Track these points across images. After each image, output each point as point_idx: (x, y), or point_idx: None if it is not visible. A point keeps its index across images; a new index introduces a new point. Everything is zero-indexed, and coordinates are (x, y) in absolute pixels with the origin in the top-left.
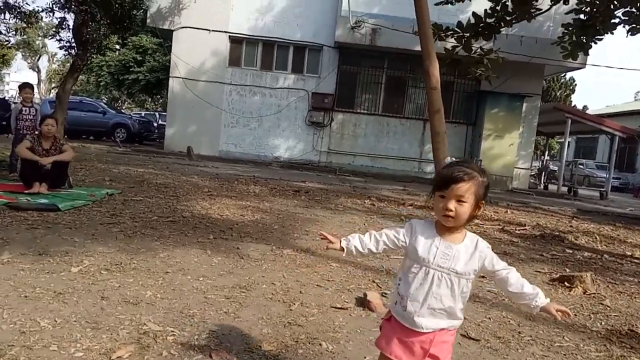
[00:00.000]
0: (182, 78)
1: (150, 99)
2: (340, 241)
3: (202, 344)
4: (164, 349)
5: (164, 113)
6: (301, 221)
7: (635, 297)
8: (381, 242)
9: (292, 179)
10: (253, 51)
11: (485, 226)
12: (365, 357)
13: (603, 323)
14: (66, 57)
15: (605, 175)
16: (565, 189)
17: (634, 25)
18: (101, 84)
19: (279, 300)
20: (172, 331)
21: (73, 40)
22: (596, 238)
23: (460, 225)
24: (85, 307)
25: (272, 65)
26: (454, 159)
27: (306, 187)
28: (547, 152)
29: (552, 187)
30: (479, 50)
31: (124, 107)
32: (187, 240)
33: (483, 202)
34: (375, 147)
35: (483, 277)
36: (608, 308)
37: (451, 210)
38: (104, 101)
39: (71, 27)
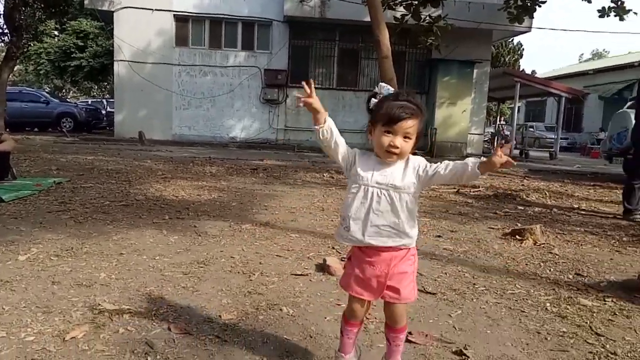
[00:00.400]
0: (128, 61)
1: (96, 86)
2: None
3: (160, 318)
4: (120, 326)
5: (111, 100)
6: (259, 197)
7: (581, 245)
8: (341, 142)
9: (250, 158)
10: (200, 29)
11: (441, 190)
12: (326, 318)
13: (552, 270)
14: None
15: (553, 136)
16: (517, 151)
17: None
18: (41, 72)
19: (238, 272)
20: (129, 309)
21: (5, 27)
22: (546, 194)
23: (402, 160)
24: (35, 292)
25: (220, 43)
26: (388, 88)
27: (264, 164)
28: (499, 117)
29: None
30: (428, 18)
31: (69, 96)
32: (141, 222)
33: (420, 137)
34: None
35: (439, 236)
36: (556, 256)
37: (397, 147)
38: (47, 90)
39: (1, 12)
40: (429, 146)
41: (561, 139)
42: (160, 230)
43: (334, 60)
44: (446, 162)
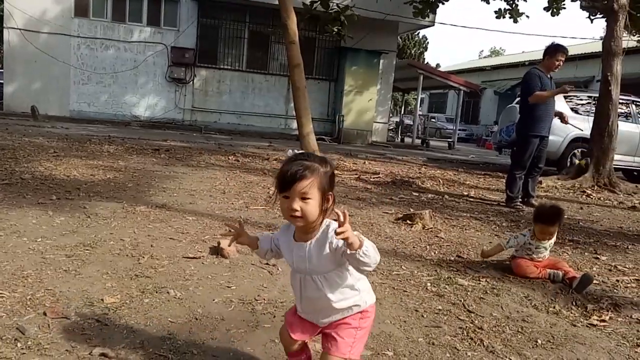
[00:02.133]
0: (20, 29)
1: None
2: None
3: (36, 302)
4: None
5: (1, 70)
6: (158, 178)
7: (465, 229)
8: (267, 246)
9: (153, 138)
10: (102, 1)
11: (343, 176)
12: (214, 300)
13: (436, 252)
14: None
15: (452, 128)
16: (419, 141)
17: None
18: None
19: (127, 255)
20: (1, 293)
21: None
22: (440, 182)
23: (313, 223)
24: None
25: (125, 16)
26: (296, 151)
27: (167, 145)
28: (403, 107)
29: (408, 140)
30: (336, 7)
31: None
32: (25, 202)
33: (331, 193)
34: (241, 104)
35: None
36: (442, 240)
37: (297, 210)
38: None
39: None
40: (336, 133)
41: (459, 130)
42: (45, 211)
43: (244, 41)
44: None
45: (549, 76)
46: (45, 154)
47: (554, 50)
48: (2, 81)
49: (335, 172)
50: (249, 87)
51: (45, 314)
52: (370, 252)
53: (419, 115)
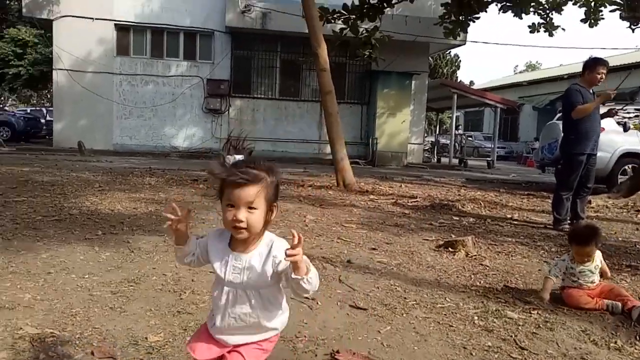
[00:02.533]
0: (67, 70)
1: (36, 94)
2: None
3: (84, 342)
4: (41, 351)
5: (51, 108)
6: (198, 210)
7: (511, 256)
8: (196, 260)
9: (191, 168)
10: (141, 39)
11: (380, 200)
12: None
13: (482, 282)
14: None
15: (491, 146)
16: (456, 160)
17: (504, 2)
18: None
19: (169, 291)
20: (52, 332)
21: None
22: (481, 204)
23: (256, 235)
24: None
25: (162, 52)
26: (237, 157)
27: (205, 175)
28: (438, 127)
29: (444, 160)
30: (365, 32)
31: (7, 104)
32: (73, 238)
33: (275, 204)
34: (274, 131)
35: (374, 248)
36: (487, 268)
37: (242, 221)
38: None
39: None
40: (370, 156)
41: (499, 147)
42: (92, 246)
43: (277, 70)
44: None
45: (591, 91)
46: (91, 188)
47: (593, 63)
48: (51, 119)
49: (371, 197)
50: (282, 115)
51: (92, 353)
52: (313, 280)
53: (457, 133)
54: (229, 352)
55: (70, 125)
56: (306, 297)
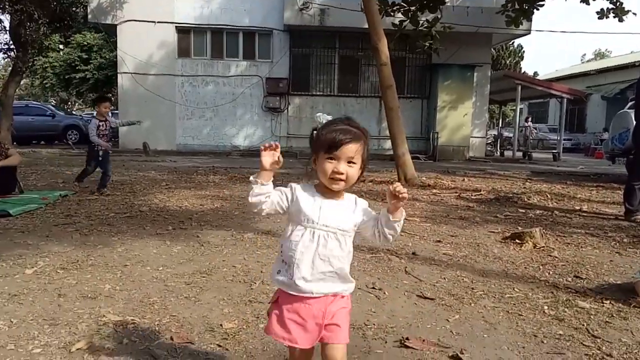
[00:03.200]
0: (131, 73)
1: None
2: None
3: (163, 328)
4: (124, 337)
5: (116, 111)
6: None
7: (581, 247)
8: (269, 202)
9: (253, 166)
10: (202, 40)
11: (442, 194)
12: None
13: (551, 272)
14: (6, 60)
15: (557, 138)
16: (520, 153)
17: None
18: (47, 86)
19: (240, 281)
20: (132, 320)
21: (11, 42)
22: (547, 196)
23: (348, 189)
24: (42, 305)
25: (222, 53)
26: (327, 116)
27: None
28: (501, 120)
29: (508, 153)
30: (425, 23)
31: (74, 109)
32: (145, 233)
33: (367, 162)
34: None
35: (439, 241)
36: (556, 259)
37: (342, 174)
38: (53, 104)
39: (8, 28)
40: (431, 150)
41: (565, 139)
42: (163, 241)
43: (335, 67)
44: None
45: None
46: (158, 186)
47: None
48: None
49: (434, 191)
50: (341, 111)
51: (172, 338)
52: (401, 225)
53: (526, 125)
54: (326, 326)
55: (134, 127)
56: (389, 241)
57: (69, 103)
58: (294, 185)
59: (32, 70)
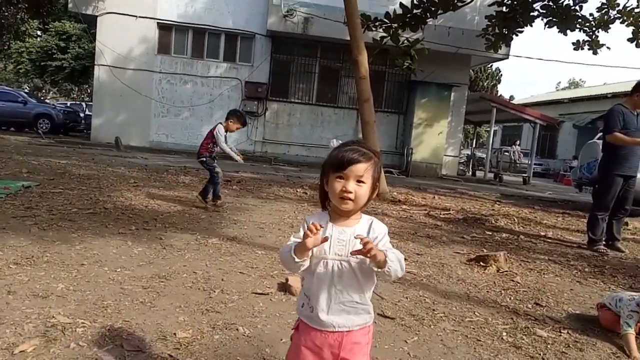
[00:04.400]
0: (109, 66)
1: (76, 88)
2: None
3: (114, 334)
4: (72, 341)
5: (91, 103)
6: (230, 210)
7: (543, 274)
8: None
9: (225, 168)
10: (183, 38)
11: (412, 211)
12: (282, 339)
13: (512, 298)
14: None
15: (528, 162)
16: (492, 175)
17: (550, 18)
18: (21, 71)
19: (199, 289)
20: (83, 323)
21: None
22: (515, 220)
23: (358, 210)
24: None
25: (203, 53)
26: (339, 141)
27: (239, 176)
28: (475, 140)
29: (480, 174)
30: (406, 42)
31: (48, 97)
32: (107, 231)
33: (378, 184)
34: (310, 136)
35: (405, 259)
36: (518, 284)
37: (350, 192)
38: (26, 90)
39: None
40: (405, 166)
41: (535, 164)
42: (125, 241)
43: (315, 76)
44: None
45: (635, 113)
46: (126, 183)
47: (638, 89)
48: (90, 114)
49: (404, 206)
50: (318, 120)
51: (122, 346)
52: (392, 270)
53: (516, 149)
54: (341, 359)
55: (108, 121)
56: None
57: (43, 91)
58: (307, 218)
59: (7, 54)
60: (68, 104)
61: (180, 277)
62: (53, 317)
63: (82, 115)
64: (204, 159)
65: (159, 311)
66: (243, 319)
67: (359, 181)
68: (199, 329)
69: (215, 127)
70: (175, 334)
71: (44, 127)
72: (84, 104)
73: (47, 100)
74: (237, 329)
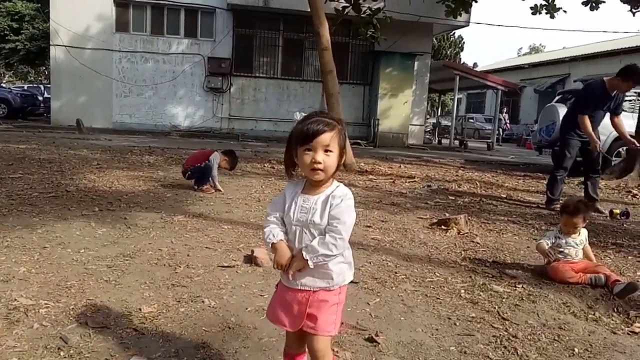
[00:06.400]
0: (65, 46)
1: (33, 71)
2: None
3: (78, 312)
4: (35, 321)
5: (49, 85)
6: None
7: (502, 233)
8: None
9: (192, 147)
10: (141, 15)
11: (378, 180)
12: (247, 309)
13: (472, 258)
14: None
15: (491, 128)
16: (457, 142)
17: None
18: None
19: (164, 265)
20: (46, 304)
21: None
22: (477, 184)
23: (329, 178)
24: None
25: (163, 29)
26: (303, 114)
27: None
28: (440, 109)
29: (445, 142)
30: (368, 10)
31: (4, 81)
32: (69, 214)
33: (344, 150)
34: (277, 111)
35: (369, 226)
36: (478, 245)
37: (320, 163)
38: None
39: None
40: (372, 136)
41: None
42: (88, 222)
43: (279, 49)
44: (328, 237)
45: (612, 94)
46: (89, 166)
47: (628, 76)
48: (49, 96)
49: (370, 177)
50: (284, 94)
51: (86, 323)
52: (319, 259)
53: (503, 116)
54: (308, 315)
55: (68, 103)
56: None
57: None
58: (287, 186)
59: None
60: (25, 87)
61: (146, 254)
62: (15, 300)
63: (40, 98)
64: (190, 172)
65: (124, 288)
66: (209, 291)
67: (326, 151)
68: (165, 303)
69: (213, 153)
70: (140, 309)
71: (1, 112)
72: (42, 86)
73: (3, 85)
74: (202, 301)
